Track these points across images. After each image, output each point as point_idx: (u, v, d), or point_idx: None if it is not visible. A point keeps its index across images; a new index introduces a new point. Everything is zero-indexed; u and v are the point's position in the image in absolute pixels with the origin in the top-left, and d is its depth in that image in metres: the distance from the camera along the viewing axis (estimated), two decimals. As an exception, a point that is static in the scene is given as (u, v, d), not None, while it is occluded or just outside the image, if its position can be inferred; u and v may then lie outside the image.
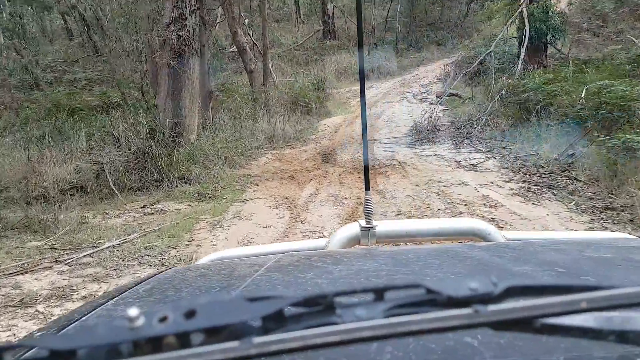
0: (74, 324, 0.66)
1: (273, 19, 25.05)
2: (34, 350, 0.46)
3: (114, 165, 7.12)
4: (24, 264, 4.65)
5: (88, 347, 0.34)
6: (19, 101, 11.04)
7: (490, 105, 10.28)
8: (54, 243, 5.24)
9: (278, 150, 9.49)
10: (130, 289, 0.82)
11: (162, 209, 6.42)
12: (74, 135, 8.26)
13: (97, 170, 7.07)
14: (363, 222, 1.29)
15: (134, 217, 6.27)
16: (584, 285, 0.38)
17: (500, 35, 11.47)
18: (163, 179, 7.15)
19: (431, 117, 10.10)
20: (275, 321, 0.36)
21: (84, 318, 0.68)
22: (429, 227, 1.32)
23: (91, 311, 0.71)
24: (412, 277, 0.72)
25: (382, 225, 1.30)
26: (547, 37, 12.13)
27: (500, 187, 6.42)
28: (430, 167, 7.71)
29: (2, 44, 12.99)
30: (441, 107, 12.77)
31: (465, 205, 5.65)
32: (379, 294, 0.39)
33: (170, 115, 7.76)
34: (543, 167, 7.05)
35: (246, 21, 13.21)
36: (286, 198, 6.51)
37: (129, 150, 7.32)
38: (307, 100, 12.01)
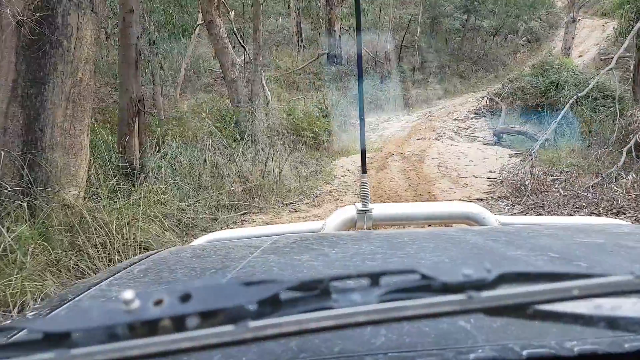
0: (66, 305, 0.59)
1: (271, 42, 20.94)
2: (24, 331, 0.44)
3: None
4: None
5: (82, 330, 0.32)
6: None
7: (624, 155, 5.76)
8: None
9: (267, 214, 4.86)
10: (124, 269, 0.74)
11: None
12: None
13: None
14: (360, 205, 1.21)
15: None
16: (575, 273, 0.36)
17: (617, 54, 7.03)
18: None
19: (528, 167, 5.57)
20: (271, 305, 0.34)
21: (77, 299, 0.61)
22: (424, 210, 1.27)
23: (84, 292, 0.64)
24: (407, 260, 0.67)
25: (378, 209, 1.22)
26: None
27: None
28: None
29: None
30: (508, 150, 8.34)
31: None
32: (374, 278, 0.37)
33: (16, 140, 3.13)
34: None
35: (232, 13, 8.78)
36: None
37: None
38: (315, 129, 7.47)
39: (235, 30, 8.13)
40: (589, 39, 19.59)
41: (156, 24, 7.63)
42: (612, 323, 0.36)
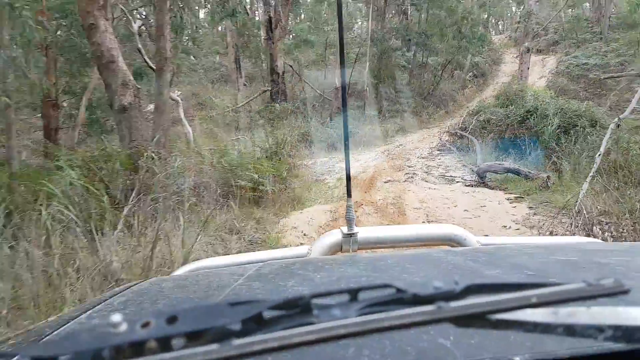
0: (53, 333, 0.58)
1: (207, 80, 18.78)
2: (16, 358, 0.43)
3: None
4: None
5: (71, 354, 0.31)
6: None
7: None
8: None
9: None
10: (104, 301, 0.71)
11: None
12: None
13: None
14: (345, 229, 1.19)
15: None
16: (534, 283, 0.37)
17: None
18: None
19: (581, 225, 3.66)
20: (255, 324, 0.34)
21: (61, 329, 0.59)
22: (408, 233, 1.27)
23: (64, 324, 0.61)
24: (389, 281, 0.58)
25: (363, 232, 1.21)
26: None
27: None
28: None
29: None
30: (501, 193, 6.49)
31: None
32: (352, 294, 0.38)
33: None
34: None
35: (135, 23, 6.47)
36: None
37: None
38: (255, 176, 5.19)
39: (140, 47, 5.83)
40: (532, 72, 19.23)
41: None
42: (569, 330, 0.36)
